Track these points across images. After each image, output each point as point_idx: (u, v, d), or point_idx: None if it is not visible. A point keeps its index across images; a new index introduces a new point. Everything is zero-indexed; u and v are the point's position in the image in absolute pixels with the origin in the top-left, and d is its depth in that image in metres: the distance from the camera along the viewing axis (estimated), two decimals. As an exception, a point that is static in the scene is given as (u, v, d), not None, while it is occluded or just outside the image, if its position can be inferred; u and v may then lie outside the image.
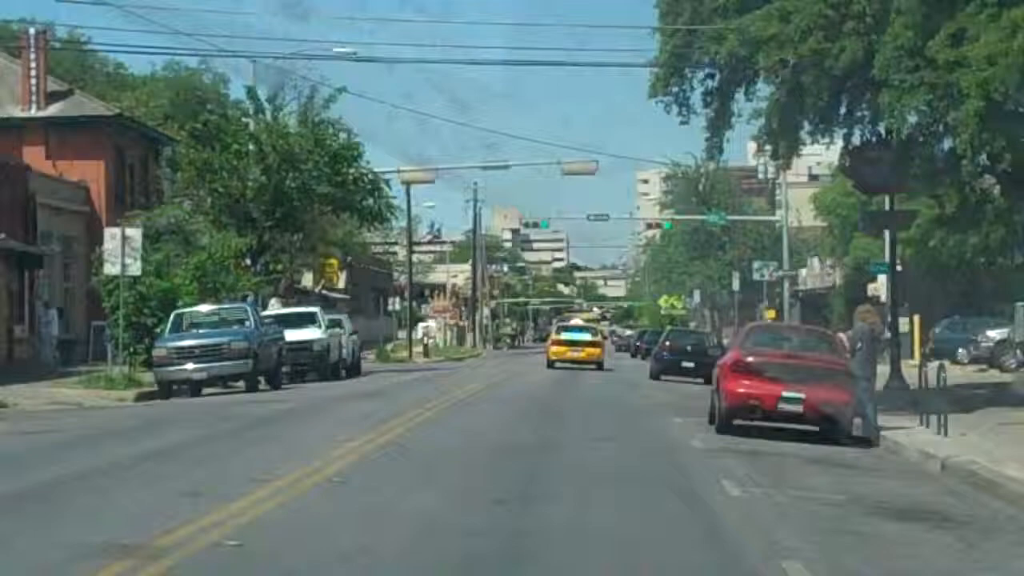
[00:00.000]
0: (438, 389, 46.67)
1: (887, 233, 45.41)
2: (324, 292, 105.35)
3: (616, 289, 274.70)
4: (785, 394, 30.10)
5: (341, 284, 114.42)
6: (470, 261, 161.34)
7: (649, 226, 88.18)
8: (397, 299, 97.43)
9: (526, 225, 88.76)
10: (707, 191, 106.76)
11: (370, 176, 69.01)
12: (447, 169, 68.69)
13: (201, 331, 48.28)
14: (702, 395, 47.67)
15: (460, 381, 55.14)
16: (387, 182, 73.09)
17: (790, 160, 43.21)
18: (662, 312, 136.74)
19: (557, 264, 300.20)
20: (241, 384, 46.83)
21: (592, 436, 29.45)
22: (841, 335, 34.16)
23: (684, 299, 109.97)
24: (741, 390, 30.40)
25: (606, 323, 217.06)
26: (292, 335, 55.33)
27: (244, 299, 57.13)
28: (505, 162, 69.62)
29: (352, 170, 67.80)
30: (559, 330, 78.60)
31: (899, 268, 72.73)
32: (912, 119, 36.19)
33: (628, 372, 72.87)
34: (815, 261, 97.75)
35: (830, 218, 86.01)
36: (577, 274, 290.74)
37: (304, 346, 56.30)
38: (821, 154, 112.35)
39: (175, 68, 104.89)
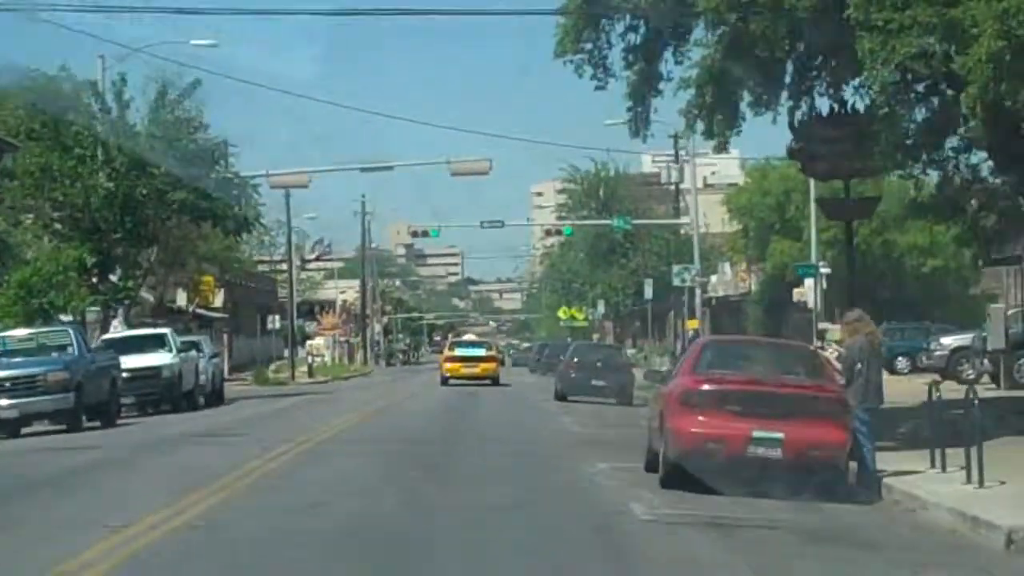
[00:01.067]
0: (301, 424, 37.67)
1: (847, 225, 36.54)
2: (199, 311, 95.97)
3: (512, 302, 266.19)
4: (757, 434, 21.44)
5: (219, 302, 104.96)
6: (368, 280, 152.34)
7: (548, 232, 79.54)
8: (277, 317, 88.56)
9: (414, 235, 79.06)
10: (607, 197, 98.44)
11: (235, 181, 60.06)
12: (322, 172, 58.76)
13: (15, 360, 39.15)
14: (621, 422, 39.54)
15: (334, 410, 46.33)
16: (256, 187, 64.15)
17: (727, 140, 34.46)
18: (561, 324, 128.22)
19: (452, 279, 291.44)
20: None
21: (487, 502, 20.47)
22: (826, 352, 25.42)
23: (586, 310, 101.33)
24: (697, 429, 21.68)
25: (502, 336, 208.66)
26: (135, 361, 46.66)
27: (80, 321, 48.11)
28: (388, 163, 60.80)
29: (212, 175, 58.86)
30: (452, 346, 75.59)
31: (825, 270, 64.81)
32: (890, 78, 27.39)
33: (529, 391, 64.44)
34: (726, 267, 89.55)
35: (745, 220, 77.78)
36: (472, 288, 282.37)
37: (150, 373, 47.35)
38: (716, 164, 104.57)
39: (31, 75, 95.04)
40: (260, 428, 36.84)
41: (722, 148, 35.99)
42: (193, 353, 51.56)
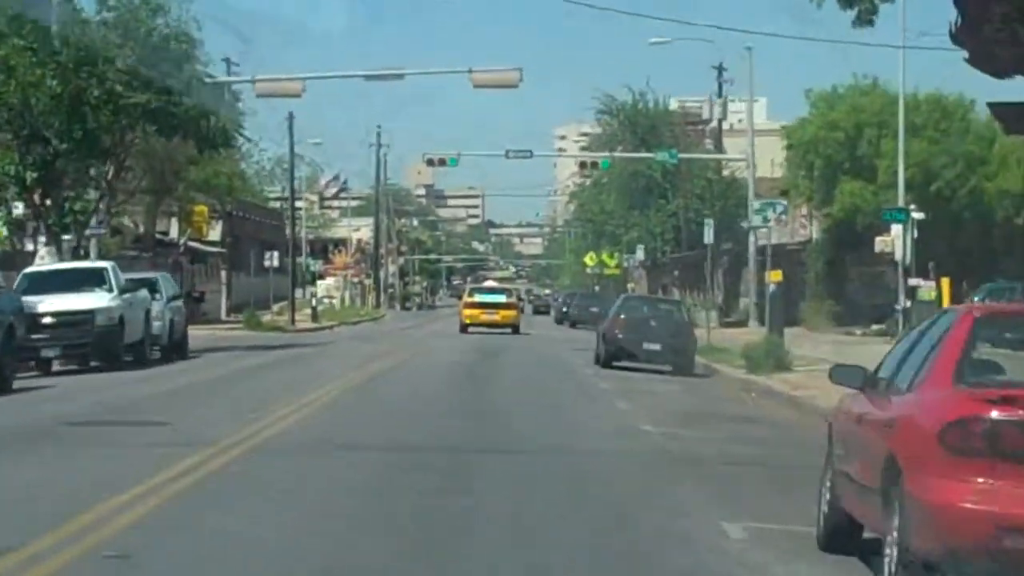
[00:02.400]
0: (256, 398, 25.94)
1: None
2: (191, 244, 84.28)
3: (533, 247, 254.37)
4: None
5: (215, 235, 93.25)
6: (383, 217, 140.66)
7: (583, 165, 67.70)
8: (276, 254, 77.12)
9: (430, 163, 67.24)
10: (646, 132, 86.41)
11: (209, 83, 48.33)
12: (318, 78, 46.70)
13: None
14: (704, 410, 28.08)
15: (316, 372, 34.76)
16: (237, 94, 52.30)
17: (874, 9, 22.56)
18: (588, 271, 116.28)
19: (472, 221, 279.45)
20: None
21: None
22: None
23: (619, 256, 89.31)
24: (986, 507, 9.80)
25: (522, 281, 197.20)
26: (62, 303, 35.41)
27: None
28: (399, 70, 48.89)
29: (183, 75, 47.21)
30: (472, 292, 72.96)
31: (918, 215, 52.96)
32: None
33: (560, 349, 52.92)
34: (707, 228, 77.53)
35: (810, 158, 65.73)
36: (492, 231, 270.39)
37: (80, 318, 35.81)
38: (742, 112, 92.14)
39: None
40: (189, 408, 24.97)
41: (865, 21, 24.09)
42: (143, 294, 39.88)
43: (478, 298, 69.46)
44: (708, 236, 53.02)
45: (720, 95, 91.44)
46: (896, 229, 51.72)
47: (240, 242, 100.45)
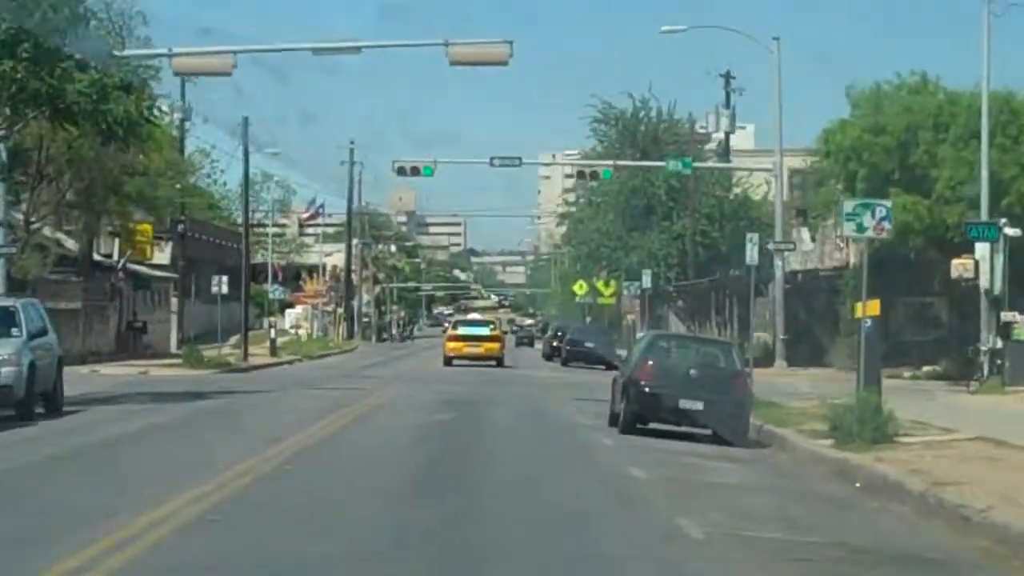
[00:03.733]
0: (48, 518, 13.93)
1: None
2: (131, 267, 72.17)
3: (516, 276, 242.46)
4: None
5: (164, 258, 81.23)
6: (357, 242, 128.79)
7: (580, 175, 55.71)
8: (225, 279, 65.21)
9: (400, 172, 54.83)
10: (647, 142, 74.62)
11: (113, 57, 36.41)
12: (252, 52, 34.45)
13: None
14: (819, 529, 16.21)
15: (218, 446, 22.93)
16: (156, 70, 40.38)
17: None
18: (577, 301, 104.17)
19: (454, 249, 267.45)
20: None
21: None
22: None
23: (619, 283, 76.80)
24: None
25: (504, 311, 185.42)
26: None
27: None
28: (354, 43, 37.13)
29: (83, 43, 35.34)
30: (456, 324, 70.83)
31: (1013, 231, 41.22)
32: None
33: (555, 397, 41.24)
34: (803, 233, 65.61)
35: (851, 167, 53.96)
36: (475, 259, 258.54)
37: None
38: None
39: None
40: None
41: None
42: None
43: (462, 331, 67.17)
44: (751, 256, 40.95)
45: (728, 105, 79.92)
46: (982, 249, 39.94)
47: (196, 266, 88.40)
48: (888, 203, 27.20)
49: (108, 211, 64.27)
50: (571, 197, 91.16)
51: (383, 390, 40.88)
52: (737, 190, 76.29)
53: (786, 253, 70.63)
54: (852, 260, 59.13)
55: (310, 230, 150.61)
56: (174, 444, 23.87)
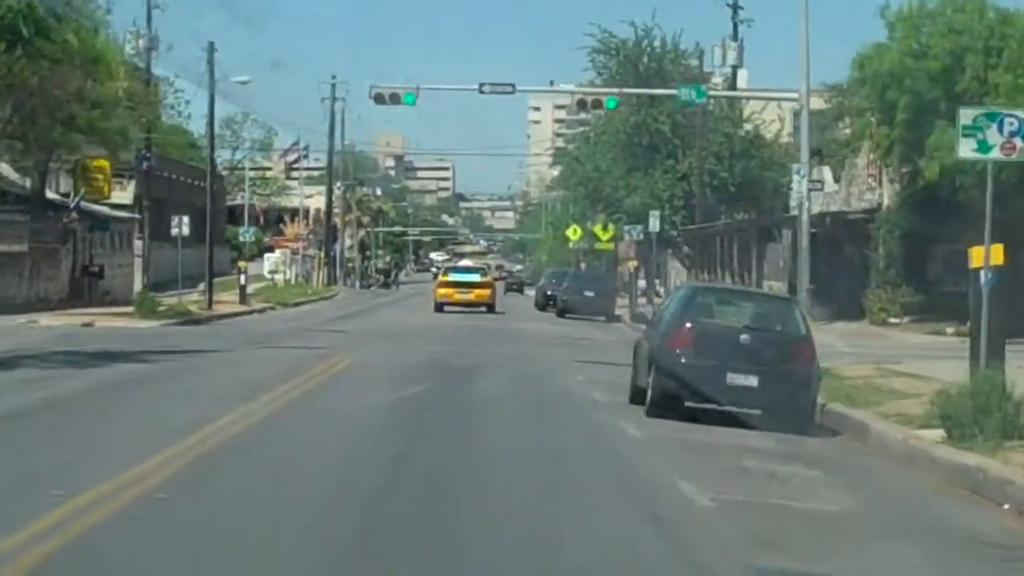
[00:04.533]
0: None
1: None
2: (86, 207, 64.72)
3: (505, 221, 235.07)
4: None
5: (126, 198, 73.93)
6: (339, 184, 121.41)
7: (582, 105, 48.29)
8: (185, 219, 57.99)
9: (379, 99, 47.15)
10: (650, 74, 67.15)
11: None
12: None
13: None
14: None
15: (118, 437, 15.83)
16: None
17: None
18: (570, 246, 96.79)
19: (442, 194, 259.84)
20: None
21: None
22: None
23: (619, 226, 69.03)
24: None
25: (493, 257, 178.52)
26: None
27: None
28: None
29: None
30: (447, 271, 69.60)
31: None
32: None
33: (554, 358, 34.23)
34: (824, 172, 58.22)
35: (889, 96, 46.63)
36: (463, 204, 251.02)
37: None
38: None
39: None
40: None
41: None
42: None
43: (453, 277, 65.55)
44: (800, 189, 33.56)
45: (736, 38, 72.55)
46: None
47: (165, 208, 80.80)
48: (1021, 113, 19.73)
49: (56, 143, 56.76)
50: (564, 137, 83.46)
51: (353, 349, 33.65)
52: (748, 127, 69.04)
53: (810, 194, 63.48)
54: (885, 201, 51.97)
55: (295, 173, 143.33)
56: (39, 438, 16.64)
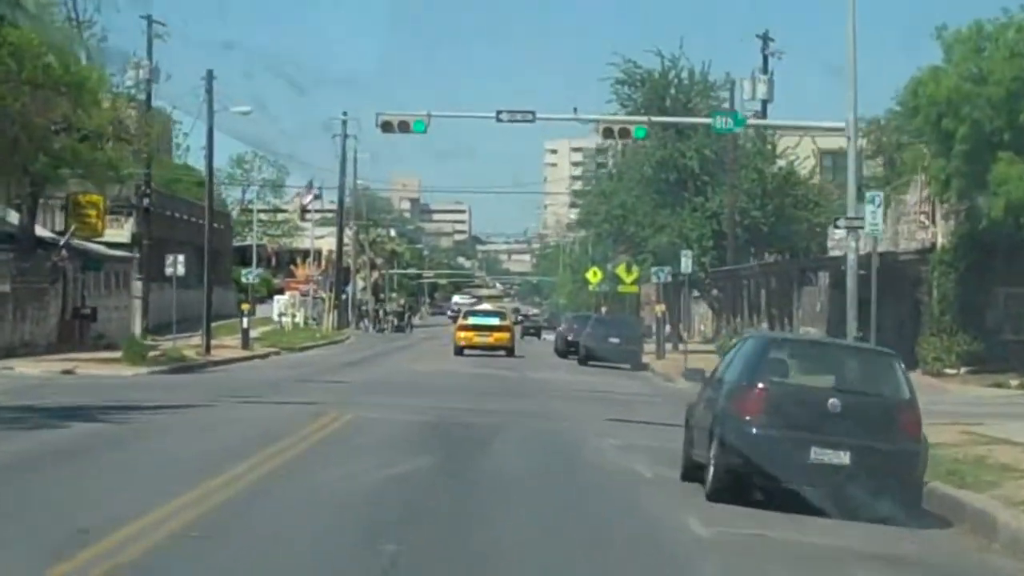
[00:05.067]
0: None
1: None
2: (77, 245, 60.11)
3: (521, 264, 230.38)
4: None
5: (123, 235, 69.43)
6: (351, 224, 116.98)
7: (608, 133, 43.68)
8: (180, 258, 53.36)
9: (386, 128, 42.40)
10: (677, 108, 62.41)
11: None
12: None
13: None
14: None
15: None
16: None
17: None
18: (591, 289, 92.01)
19: (459, 237, 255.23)
20: None
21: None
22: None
23: (644, 268, 63.79)
24: None
25: (509, 300, 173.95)
26: None
27: None
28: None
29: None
30: (466, 315, 69.40)
31: None
32: None
33: (584, 415, 29.51)
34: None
35: (946, 124, 41.89)
36: (479, 247, 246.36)
37: None
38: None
39: None
40: None
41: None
42: None
43: (472, 320, 65.22)
44: (874, 220, 28.51)
45: (766, 71, 68.02)
46: None
47: (166, 246, 76.23)
48: None
49: (41, 175, 52.21)
50: (583, 179, 78.76)
51: (352, 404, 28.88)
52: (781, 163, 64.33)
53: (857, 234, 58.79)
54: (940, 240, 47.16)
55: (310, 215, 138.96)
56: None
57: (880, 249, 50.60)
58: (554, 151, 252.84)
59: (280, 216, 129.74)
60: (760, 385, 16.95)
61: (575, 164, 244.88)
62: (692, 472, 18.45)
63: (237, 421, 24.72)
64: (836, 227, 45.68)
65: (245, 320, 65.01)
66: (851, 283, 44.43)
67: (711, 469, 17.13)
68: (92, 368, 45.40)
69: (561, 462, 20.83)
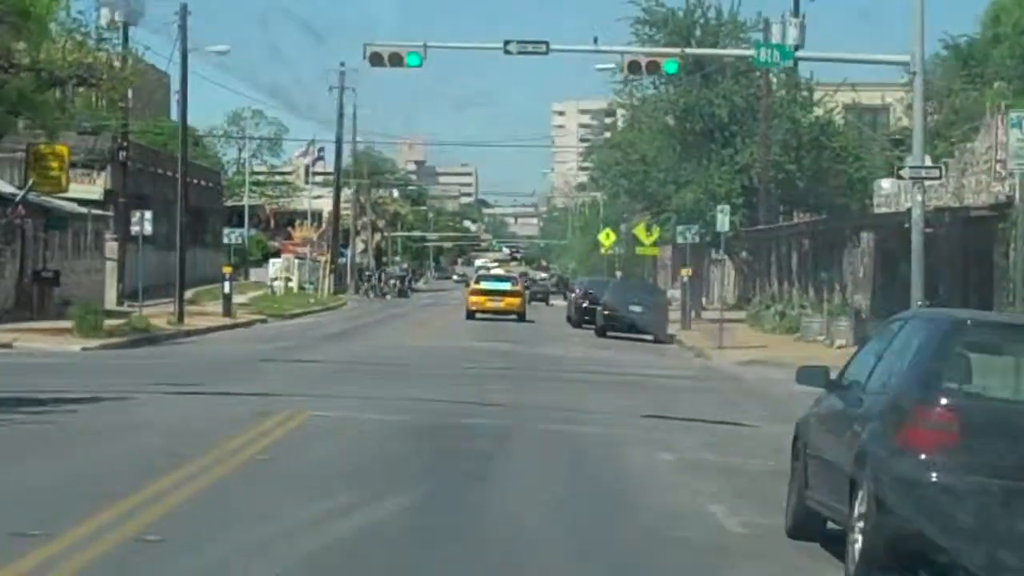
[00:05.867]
0: None
1: None
2: (36, 199, 52.94)
3: (529, 227, 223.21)
4: None
5: (95, 192, 62.41)
6: (351, 184, 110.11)
7: (633, 68, 36.71)
8: (147, 214, 46.44)
9: (375, 61, 35.13)
10: (707, 47, 55.01)
11: None
12: None
13: None
14: None
15: None
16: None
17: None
18: (603, 252, 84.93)
19: (465, 200, 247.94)
20: None
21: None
22: None
23: (667, 227, 56.15)
24: None
25: (516, 263, 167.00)
26: None
27: None
28: None
29: None
30: (479, 279, 69.64)
31: None
32: None
33: (603, 399, 22.63)
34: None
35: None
36: (486, 210, 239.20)
37: None
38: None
39: None
40: None
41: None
42: None
43: (484, 285, 64.98)
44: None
45: (797, 13, 60.69)
46: None
47: (147, 205, 69.00)
48: None
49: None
50: (591, 140, 71.35)
51: (308, 398, 21.79)
52: (819, 111, 57.10)
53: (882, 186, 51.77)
54: (1019, 194, 39.93)
55: (313, 176, 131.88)
56: None
57: (939, 204, 43.51)
58: (561, 113, 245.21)
59: (279, 177, 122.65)
60: (945, 402, 9.89)
61: (583, 126, 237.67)
62: (809, 525, 11.55)
63: (142, 427, 17.63)
64: (899, 176, 38.53)
65: (227, 285, 57.73)
66: (916, 242, 37.29)
67: (857, 537, 10.11)
68: (38, 340, 38.57)
69: (599, 503, 13.75)
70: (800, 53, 37.21)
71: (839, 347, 38.24)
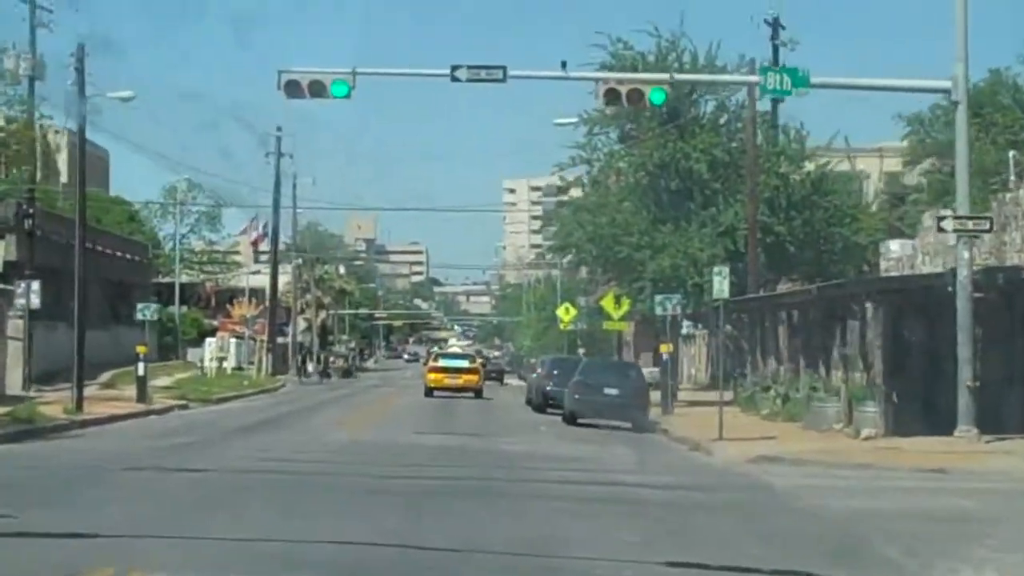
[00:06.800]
0: None
1: None
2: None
3: (481, 306, 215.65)
4: None
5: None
6: (292, 259, 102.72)
7: (612, 96, 29.35)
8: (34, 284, 38.36)
9: (291, 92, 27.25)
10: (682, 94, 47.56)
11: None
12: None
13: None
14: None
15: None
16: None
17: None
18: (562, 327, 77.25)
19: (416, 279, 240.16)
20: None
21: None
22: None
23: (643, 298, 48.28)
24: None
25: (468, 343, 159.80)
26: None
27: None
28: None
29: None
30: (436, 357, 69.45)
31: None
32: None
33: (598, 526, 14.61)
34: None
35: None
36: (437, 289, 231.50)
37: None
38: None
39: None
40: None
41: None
42: None
43: (442, 363, 65.13)
44: None
45: (776, 63, 54.02)
46: None
47: (61, 279, 61.00)
48: None
49: None
50: (544, 207, 63.78)
51: (144, 550, 13.81)
52: (810, 166, 49.89)
53: (892, 248, 44.42)
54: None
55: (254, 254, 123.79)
56: None
57: (977, 263, 35.95)
58: (512, 190, 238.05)
59: (220, 252, 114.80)
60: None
61: (534, 203, 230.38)
62: None
63: None
64: (941, 229, 30.99)
65: (141, 366, 49.91)
66: (963, 309, 29.71)
67: None
68: None
69: None
70: (817, 79, 29.63)
71: (865, 438, 30.61)
